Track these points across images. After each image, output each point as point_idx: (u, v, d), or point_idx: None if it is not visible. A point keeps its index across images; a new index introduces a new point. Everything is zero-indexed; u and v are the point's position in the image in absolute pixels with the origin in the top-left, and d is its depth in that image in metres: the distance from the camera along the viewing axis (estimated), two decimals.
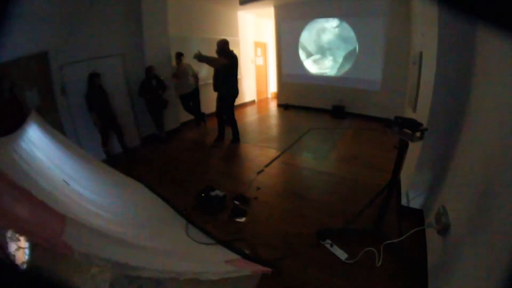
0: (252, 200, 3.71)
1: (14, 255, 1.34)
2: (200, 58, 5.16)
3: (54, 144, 2.87)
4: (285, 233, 3.09)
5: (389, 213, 2.84)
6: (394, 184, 2.68)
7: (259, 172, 4.52)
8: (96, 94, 4.75)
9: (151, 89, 5.73)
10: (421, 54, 3.59)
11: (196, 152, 5.69)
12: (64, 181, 2.47)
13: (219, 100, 5.70)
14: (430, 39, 3.02)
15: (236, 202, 3.65)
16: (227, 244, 2.82)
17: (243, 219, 3.35)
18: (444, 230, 2.09)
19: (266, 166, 4.77)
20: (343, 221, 3.18)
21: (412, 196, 3.28)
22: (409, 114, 5.45)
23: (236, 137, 5.97)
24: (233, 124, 5.90)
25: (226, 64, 5.27)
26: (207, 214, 3.45)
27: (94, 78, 4.71)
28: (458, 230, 1.93)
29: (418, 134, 2.25)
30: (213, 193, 3.67)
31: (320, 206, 3.59)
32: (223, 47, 5.37)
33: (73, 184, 2.57)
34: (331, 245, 2.84)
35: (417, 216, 3.17)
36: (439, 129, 2.71)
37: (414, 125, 2.29)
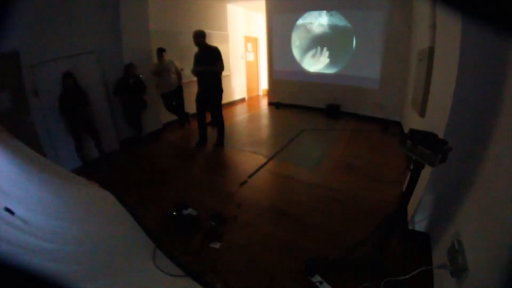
0: (231, 220, 3.18)
1: None
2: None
3: (7, 160, 2.35)
4: (266, 264, 2.57)
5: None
6: (401, 213, 2.14)
7: (242, 184, 3.97)
8: (70, 96, 4.32)
9: (128, 88, 5.25)
10: (430, 49, 3.07)
11: (177, 157, 5.13)
12: (7, 209, 2.02)
13: (201, 99, 5.11)
14: (444, 33, 2.49)
15: (212, 223, 3.11)
16: (198, 277, 2.39)
17: (218, 245, 2.82)
18: (459, 272, 1.67)
19: (250, 176, 4.22)
20: (337, 248, 2.68)
21: (418, 218, 2.77)
22: (411, 116, 5.04)
23: (221, 140, 5.43)
24: (220, 125, 5.38)
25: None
26: (180, 236, 2.95)
27: (67, 78, 4.27)
28: (478, 274, 1.52)
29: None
30: (185, 212, 3.16)
31: (311, 229, 3.05)
32: (203, 39, 4.83)
33: (20, 210, 2.12)
34: (321, 283, 2.32)
35: (422, 241, 2.69)
36: (459, 142, 2.16)
37: (434, 142, 1.74)
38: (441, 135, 2.26)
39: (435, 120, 2.72)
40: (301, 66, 8.49)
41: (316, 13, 7.74)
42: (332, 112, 7.82)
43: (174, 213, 3.15)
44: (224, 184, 4.06)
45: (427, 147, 1.72)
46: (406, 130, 5.89)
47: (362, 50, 7.28)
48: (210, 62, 4.75)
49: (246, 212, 3.33)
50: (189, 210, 3.17)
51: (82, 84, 4.56)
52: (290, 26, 8.28)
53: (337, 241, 2.83)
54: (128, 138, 5.71)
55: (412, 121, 4.87)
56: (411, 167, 1.96)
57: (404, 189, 2.09)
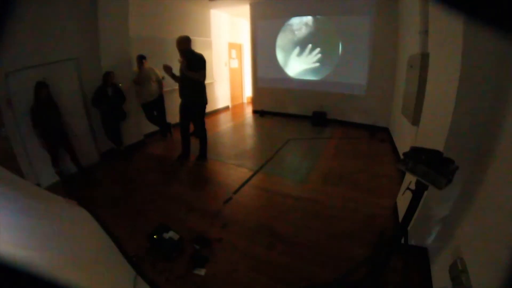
0: (216, 243, 2.92)
1: None
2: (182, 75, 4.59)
3: None
4: None
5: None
6: (400, 236, 1.95)
7: (227, 201, 3.72)
8: (43, 107, 4.00)
9: (106, 98, 4.95)
10: (424, 55, 2.93)
11: (158, 171, 4.81)
12: None
13: (185, 109, 4.83)
14: (440, 38, 2.34)
15: (196, 247, 2.85)
16: None
17: (202, 272, 2.57)
18: None
19: (235, 192, 3.97)
20: (333, 270, 2.50)
21: (415, 231, 2.59)
22: (401, 124, 4.90)
23: (203, 153, 5.15)
24: (203, 137, 5.09)
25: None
26: (162, 261, 2.69)
27: (40, 89, 3.94)
28: None
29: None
30: (166, 235, 2.89)
31: (303, 249, 2.83)
32: (188, 45, 4.54)
33: None
34: None
35: (419, 256, 2.54)
36: (460, 154, 1.98)
37: (440, 162, 1.55)
38: (439, 145, 2.12)
39: (431, 130, 2.56)
40: (286, 73, 8.33)
41: (301, 18, 7.62)
42: (319, 119, 7.67)
43: (154, 236, 2.89)
44: (207, 201, 3.78)
45: (432, 168, 1.53)
46: (394, 136, 5.80)
47: (348, 56, 7.18)
48: (195, 70, 4.46)
49: (232, 233, 3.08)
50: (171, 233, 2.91)
51: (58, 94, 4.28)
52: (275, 32, 8.13)
53: (333, 262, 2.63)
54: (109, 150, 5.43)
55: (402, 129, 4.76)
56: (412, 187, 1.77)
57: (405, 212, 1.87)
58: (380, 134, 6.65)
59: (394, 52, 6.29)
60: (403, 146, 4.72)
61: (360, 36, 6.85)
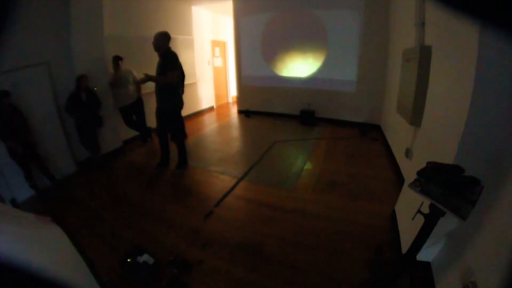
0: (196, 265, 2.58)
1: None
2: (148, 79, 4.19)
3: None
4: None
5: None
6: (408, 265, 1.64)
7: (207, 216, 3.36)
8: (6, 119, 3.63)
9: (80, 104, 4.57)
10: (423, 48, 2.64)
11: (136, 181, 4.41)
12: None
13: (158, 114, 4.45)
14: (447, 30, 2.05)
15: (174, 270, 2.51)
16: None
17: None
18: None
19: (216, 205, 3.61)
20: None
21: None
22: (395, 122, 4.64)
23: (182, 162, 4.75)
24: (180, 143, 4.69)
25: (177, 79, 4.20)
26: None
27: (2, 98, 3.58)
28: None
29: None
30: (141, 259, 2.56)
31: (294, 271, 2.51)
32: (162, 43, 4.10)
33: None
34: None
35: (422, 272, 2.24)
36: (476, 162, 1.68)
37: (463, 183, 1.24)
38: (448, 151, 1.85)
39: (437, 133, 2.26)
40: (271, 70, 8.01)
41: (287, 12, 7.30)
42: (307, 118, 7.40)
43: (128, 260, 2.57)
44: (187, 216, 3.40)
45: (454, 191, 1.21)
46: (387, 134, 5.53)
47: (337, 52, 6.93)
48: (164, 70, 4.09)
49: (214, 254, 2.74)
50: (145, 257, 2.58)
51: (28, 102, 3.99)
52: (260, 27, 7.81)
53: (326, 285, 2.32)
54: (87, 159, 5.06)
55: (397, 128, 4.52)
56: (425, 210, 1.47)
57: (415, 238, 1.56)
58: (372, 132, 6.43)
59: (385, 46, 6.08)
60: (397, 146, 4.47)
61: (348, 31, 6.60)
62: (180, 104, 4.42)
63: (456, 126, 1.81)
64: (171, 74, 4.09)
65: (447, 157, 1.86)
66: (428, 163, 1.41)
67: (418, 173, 1.42)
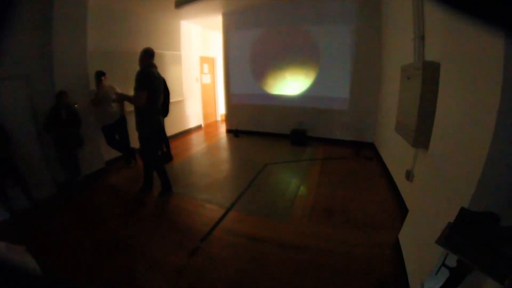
0: None
1: None
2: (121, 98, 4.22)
3: None
4: None
5: None
6: None
7: (193, 253, 2.96)
8: None
9: (60, 122, 4.31)
10: (427, 65, 2.42)
11: (116, 209, 4.02)
12: None
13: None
14: (458, 43, 1.83)
15: None
16: None
17: None
18: None
19: (203, 239, 3.21)
20: None
21: (429, 285, 2.00)
22: (391, 141, 4.42)
23: (166, 187, 4.35)
24: (158, 169, 4.31)
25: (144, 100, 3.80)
26: None
27: None
28: None
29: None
30: None
31: None
32: (143, 59, 3.82)
33: None
34: None
35: None
36: (498, 198, 1.42)
37: (500, 235, 0.98)
38: (462, 184, 1.67)
39: (452, 161, 1.97)
40: (261, 88, 7.80)
41: (277, 28, 7.16)
42: (298, 138, 7.15)
43: None
44: (170, 253, 3.01)
45: (489, 245, 0.94)
46: (382, 153, 5.32)
47: (328, 68, 6.78)
48: (135, 90, 3.80)
49: None
50: None
51: (4, 118, 3.80)
52: (249, 43, 7.63)
53: None
54: (68, 180, 4.73)
55: (393, 147, 4.38)
56: (452, 264, 1.20)
57: None
58: (366, 150, 6.25)
59: (379, 61, 5.97)
60: (395, 166, 4.31)
61: (341, 47, 6.48)
62: (152, 126, 4.00)
63: (475, 157, 1.55)
64: (137, 95, 3.76)
65: (462, 191, 1.64)
66: (461, 209, 1.13)
67: (450, 227, 1.15)
